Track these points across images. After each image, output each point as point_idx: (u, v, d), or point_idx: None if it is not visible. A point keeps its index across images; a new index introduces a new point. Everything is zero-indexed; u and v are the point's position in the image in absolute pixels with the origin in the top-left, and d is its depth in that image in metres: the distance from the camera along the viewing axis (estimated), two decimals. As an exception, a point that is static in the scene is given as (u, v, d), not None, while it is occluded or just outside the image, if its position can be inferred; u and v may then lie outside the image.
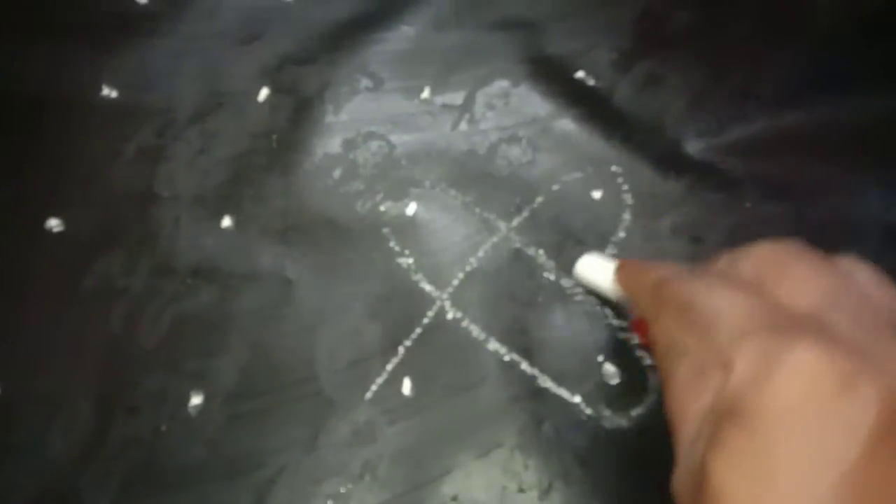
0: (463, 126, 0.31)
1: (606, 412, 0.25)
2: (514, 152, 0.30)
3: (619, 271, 0.23)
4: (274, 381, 0.26)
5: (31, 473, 0.24)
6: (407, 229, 0.29)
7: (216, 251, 0.28)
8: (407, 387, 0.25)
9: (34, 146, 0.30)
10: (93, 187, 0.29)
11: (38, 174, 0.30)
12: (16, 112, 0.31)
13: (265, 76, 0.32)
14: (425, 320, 0.27)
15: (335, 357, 0.26)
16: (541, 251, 0.28)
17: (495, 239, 0.28)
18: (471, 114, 0.31)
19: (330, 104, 0.31)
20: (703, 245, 0.28)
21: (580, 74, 0.32)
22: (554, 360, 0.26)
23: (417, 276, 0.28)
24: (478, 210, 0.29)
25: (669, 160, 0.30)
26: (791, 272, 0.16)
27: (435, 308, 0.27)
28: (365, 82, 0.32)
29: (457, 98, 0.32)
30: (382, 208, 0.29)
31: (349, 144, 0.31)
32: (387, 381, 0.26)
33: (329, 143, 0.31)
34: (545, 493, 0.24)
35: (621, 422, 0.25)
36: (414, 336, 0.26)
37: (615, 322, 0.26)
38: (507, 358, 0.26)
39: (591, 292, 0.26)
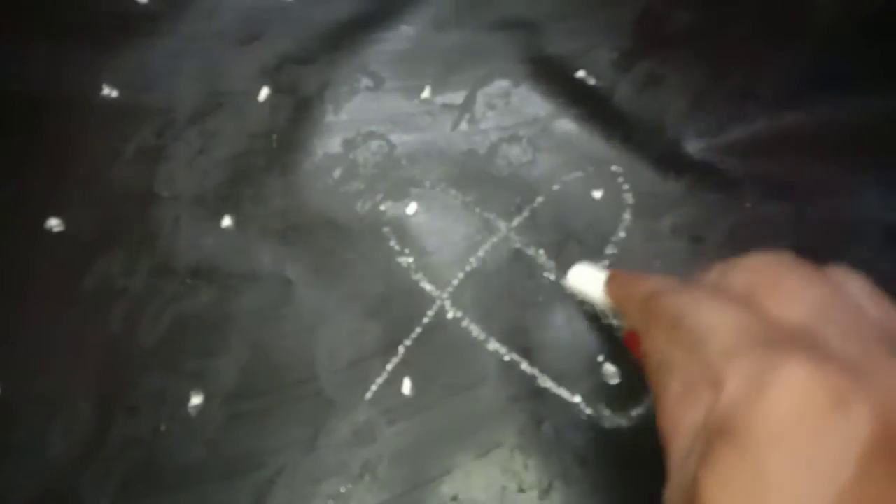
0: (463, 126, 0.31)
1: (606, 412, 0.25)
2: (515, 152, 0.30)
3: (610, 282, 0.23)
4: (274, 381, 0.26)
5: (31, 473, 0.24)
6: (407, 229, 0.29)
7: (216, 251, 0.28)
8: (407, 387, 0.25)
9: (34, 146, 0.30)
10: (93, 187, 0.29)
11: (38, 174, 0.30)
12: (16, 112, 0.31)
13: (265, 76, 0.32)
14: (425, 320, 0.27)
15: (335, 357, 0.26)
16: (541, 251, 0.28)
17: (495, 239, 0.28)
18: (471, 113, 0.31)
19: (330, 104, 0.31)
20: (704, 245, 0.28)
21: (581, 74, 0.32)
22: (554, 360, 0.26)
23: (417, 276, 0.28)
24: (478, 210, 0.29)
25: (670, 160, 0.30)
26: (782, 285, 0.16)
27: (435, 308, 0.27)
28: (365, 82, 0.32)
29: (457, 98, 0.32)
30: (382, 208, 0.29)
31: (349, 144, 0.31)
32: (387, 381, 0.26)
33: (329, 143, 0.31)
34: (545, 492, 0.24)
35: (621, 422, 0.25)
36: (414, 336, 0.26)
37: (615, 322, 0.26)
38: (507, 358, 0.26)
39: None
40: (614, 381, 0.25)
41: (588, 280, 0.24)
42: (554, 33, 0.33)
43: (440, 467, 0.24)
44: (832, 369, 0.13)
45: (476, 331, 0.26)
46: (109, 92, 0.32)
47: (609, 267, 0.27)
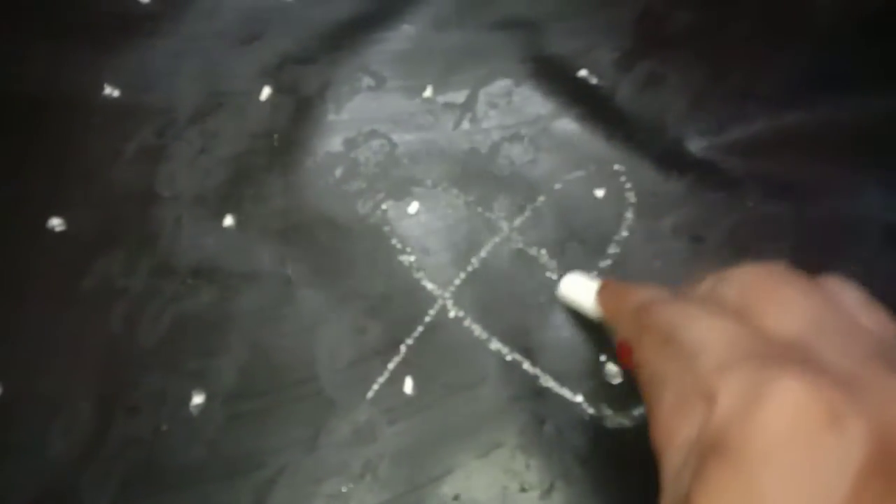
0: (465, 125, 0.31)
1: (608, 412, 0.25)
2: (517, 151, 0.30)
3: (601, 293, 0.22)
4: (274, 381, 0.26)
5: (31, 473, 0.24)
6: (408, 228, 0.29)
7: (217, 251, 0.28)
8: (408, 386, 0.25)
9: (35, 146, 0.30)
10: (93, 187, 0.29)
11: (39, 174, 0.30)
12: (17, 112, 0.31)
13: (266, 76, 0.32)
14: (427, 319, 0.27)
15: (336, 356, 0.26)
16: (543, 251, 0.28)
17: (497, 239, 0.28)
18: (473, 113, 0.31)
19: (331, 103, 0.31)
20: (705, 244, 0.28)
21: (582, 73, 0.32)
22: (556, 359, 0.26)
23: (419, 275, 0.28)
24: (479, 209, 0.29)
25: (671, 159, 0.30)
26: (775, 297, 0.16)
27: (437, 307, 0.27)
28: (366, 81, 0.32)
29: (458, 97, 0.32)
30: (384, 207, 0.29)
31: (350, 143, 0.31)
32: (388, 381, 0.25)
33: (330, 142, 0.31)
34: (547, 492, 0.23)
35: (623, 421, 0.24)
36: (416, 335, 0.26)
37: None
38: (508, 358, 0.26)
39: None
40: (616, 380, 0.25)
41: (580, 290, 0.24)
42: (555, 33, 0.33)
43: (441, 467, 0.24)
44: (827, 384, 0.13)
45: (478, 330, 0.26)
46: (110, 92, 0.32)
47: (611, 266, 0.27)
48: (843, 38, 0.32)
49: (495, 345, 0.26)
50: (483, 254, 0.28)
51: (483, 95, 0.32)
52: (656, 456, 0.15)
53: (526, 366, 0.26)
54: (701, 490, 0.13)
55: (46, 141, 0.30)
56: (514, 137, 0.31)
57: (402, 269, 0.28)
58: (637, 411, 0.25)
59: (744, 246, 0.28)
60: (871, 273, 0.27)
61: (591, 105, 0.31)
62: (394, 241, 0.28)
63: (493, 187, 0.30)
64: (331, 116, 0.31)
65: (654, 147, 0.30)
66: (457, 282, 0.27)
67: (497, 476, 0.24)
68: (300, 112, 0.31)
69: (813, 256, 0.27)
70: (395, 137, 0.31)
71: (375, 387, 0.25)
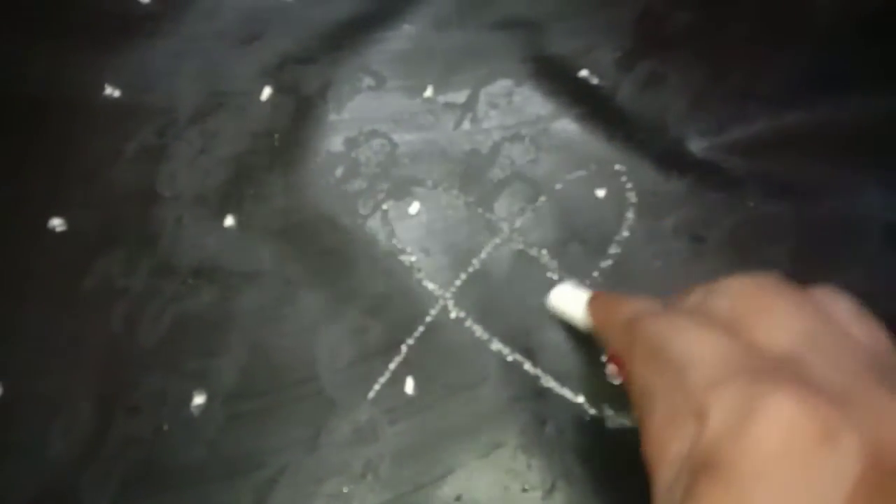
0: (465, 125, 0.31)
1: (609, 412, 0.25)
2: (517, 151, 0.30)
3: (591, 304, 0.22)
4: (275, 381, 0.26)
5: (31, 473, 0.24)
6: (409, 229, 0.29)
7: (217, 251, 0.28)
8: (409, 386, 0.25)
9: (36, 146, 0.30)
10: (94, 187, 0.29)
11: (40, 174, 0.30)
12: (17, 112, 0.31)
13: (266, 76, 0.32)
14: (428, 318, 0.27)
15: (337, 356, 0.26)
16: (544, 251, 0.28)
17: (498, 240, 0.28)
18: (473, 113, 0.31)
19: (332, 103, 0.31)
20: (706, 244, 0.28)
21: (583, 74, 0.32)
22: (557, 360, 0.26)
23: (420, 275, 0.28)
24: (480, 210, 0.29)
25: (672, 159, 0.30)
26: (767, 309, 0.15)
27: (437, 307, 0.27)
28: (367, 81, 0.32)
29: (459, 97, 0.32)
30: (385, 207, 0.29)
31: (351, 143, 0.31)
32: (389, 381, 0.25)
33: (331, 142, 0.31)
34: (548, 492, 0.23)
35: (624, 421, 0.24)
36: (417, 334, 0.26)
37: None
38: (509, 358, 0.26)
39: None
40: (617, 381, 0.25)
41: (570, 301, 0.24)
42: (556, 33, 0.33)
43: (443, 467, 0.24)
44: (819, 400, 0.13)
45: (479, 331, 0.26)
46: (111, 92, 0.32)
47: (612, 267, 0.27)
48: (843, 38, 0.32)
49: (496, 345, 0.26)
50: (484, 254, 0.28)
51: (484, 95, 0.32)
52: (647, 470, 0.15)
53: (527, 366, 0.26)
54: None
55: (47, 141, 0.30)
56: (515, 137, 0.31)
57: (402, 270, 0.28)
58: (638, 411, 0.25)
59: (744, 246, 0.28)
60: (871, 273, 0.27)
61: (592, 105, 0.31)
62: (394, 242, 0.28)
63: (494, 188, 0.30)
64: (331, 116, 0.31)
65: (654, 147, 0.30)
66: (457, 282, 0.27)
67: (498, 476, 0.24)
68: (301, 112, 0.31)
69: (813, 256, 0.27)
70: (396, 137, 0.31)
71: (376, 387, 0.25)
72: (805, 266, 0.27)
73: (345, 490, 0.24)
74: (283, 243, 0.28)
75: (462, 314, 0.27)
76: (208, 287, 0.27)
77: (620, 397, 0.25)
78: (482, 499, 0.23)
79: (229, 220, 0.29)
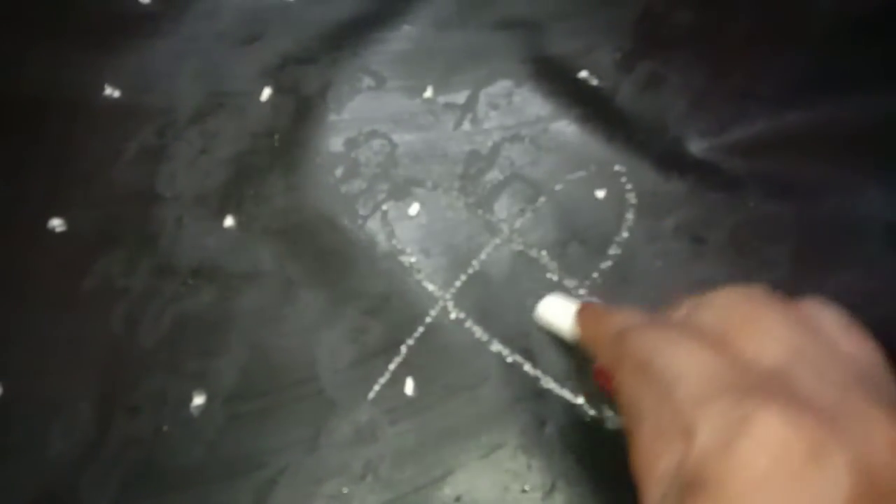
0: (465, 126, 0.31)
1: (609, 413, 0.25)
2: (517, 152, 0.30)
3: (580, 316, 0.22)
4: (275, 381, 0.26)
5: (31, 473, 0.24)
6: (409, 230, 0.29)
7: (217, 251, 0.28)
8: (409, 387, 0.25)
9: (36, 146, 0.30)
10: (94, 187, 0.29)
11: (40, 174, 0.30)
12: (17, 112, 0.31)
13: (266, 76, 0.32)
14: (428, 319, 0.27)
15: (336, 357, 0.26)
16: (543, 252, 0.28)
17: (498, 241, 0.28)
18: (473, 113, 0.31)
19: (332, 103, 0.31)
20: (706, 245, 0.28)
21: (583, 74, 0.32)
22: (557, 361, 0.26)
23: (419, 276, 0.28)
24: (480, 211, 0.29)
25: (672, 160, 0.30)
26: (754, 323, 0.15)
27: (437, 308, 0.27)
28: (367, 81, 0.32)
29: (459, 98, 0.32)
30: (384, 208, 0.29)
31: (351, 143, 0.31)
32: (389, 381, 0.25)
33: (331, 142, 0.31)
34: (548, 493, 0.23)
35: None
36: (416, 335, 0.26)
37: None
38: (509, 359, 0.26)
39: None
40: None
41: (558, 312, 0.23)
42: (556, 33, 0.33)
43: (443, 467, 0.24)
44: (808, 418, 0.13)
45: (479, 332, 0.26)
46: (111, 92, 0.32)
47: (612, 267, 0.27)
48: (843, 38, 0.32)
49: (496, 346, 0.26)
50: (483, 255, 0.28)
51: (484, 96, 0.32)
52: (636, 485, 0.15)
53: (527, 367, 0.26)
54: None
55: (47, 141, 0.30)
56: (515, 138, 0.31)
57: (402, 270, 0.28)
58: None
59: (745, 246, 0.28)
60: (871, 273, 0.27)
61: (592, 106, 0.31)
62: (394, 242, 0.28)
63: (494, 188, 0.30)
64: (331, 117, 0.31)
65: (654, 148, 0.30)
66: (457, 283, 0.27)
67: (498, 477, 0.24)
68: (301, 112, 0.31)
69: (813, 256, 0.27)
70: (396, 138, 0.31)
71: (376, 387, 0.25)
72: (805, 266, 0.27)
73: (345, 491, 0.24)
74: (283, 243, 0.28)
75: (462, 315, 0.27)
76: (208, 287, 0.27)
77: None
78: (482, 499, 0.23)
79: (229, 221, 0.29)
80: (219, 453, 0.24)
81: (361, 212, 0.29)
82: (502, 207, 0.29)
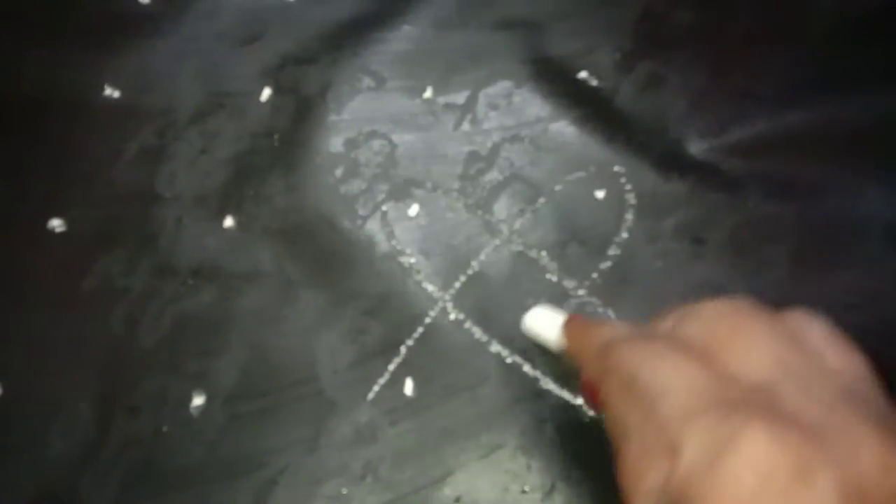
0: (465, 126, 0.31)
1: (609, 413, 0.25)
2: (517, 153, 0.30)
3: (566, 328, 0.22)
4: (275, 382, 0.26)
5: (31, 473, 0.24)
6: (408, 230, 0.29)
7: (217, 251, 0.28)
8: (409, 387, 0.25)
9: (36, 146, 0.30)
10: (94, 187, 0.29)
11: (40, 174, 0.30)
12: (18, 113, 0.31)
13: (266, 76, 0.32)
14: (427, 320, 0.27)
15: (336, 357, 0.26)
16: (543, 252, 0.28)
17: (497, 241, 0.28)
18: (473, 114, 0.31)
19: (332, 104, 0.31)
20: (706, 245, 0.28)
21: (583, 75, 0.32)
22: (556, 362, 0.26)
23: (419, 276, 0.28)
24: (479, 212, 0.29)
25: (672, 160, 0.30)
26: (740, 336, 0.15)
27: (437, 308, 0.27)
28: (367, 81, 0.32)
29: (459, 98, 0.32)
30: (384, 209, 0.29)
31: (351, 144, 0.31)
32: (389, 382, 0.25)
33: (331, 142, 0.31)
34: (548, 494, 0.23)
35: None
36: (416, 335, 0.26)
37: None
38: (509, 360, 0.26)
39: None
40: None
41: (545, 324, 0.23)
42: (556, 34, 0.33)
43: (443, 468, 0.24)
44: (794, 435, 0.13)
45: (478, 333, 0.26)
46: (111, 92, 0.32)
47: (611, 268, 0.27)
48: (843, 38, 0.32)
49: (496, 347, 0.26)
50: (483, 256, 0.28)
51: (483, 96, 0.32)
52: (623, 501, 0.15)
53: (526, 368, 0.26)
54: None
55: (47, 141, 0.30)
56: (515, 139, 0.31)
57: (402, 270, 0.28)
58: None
59: (745, 246, 0.28)
60: (871, 273, 0.27)
61: (592, 106, 0.31)
62: (394, 243, 0.28)
63: (493, 189, 0.30)
64: (331, 117, 0.31)
65: (654, 148, 0.30)
66: (457, 284, 0.27)
67: (498, 477, 0.24)
68: (301, 112, 0.31)
69: (813, 256, 0.27)
70: (396, 138, 0.31)
71: (376, 388, 0.25)
72: (805, 266, 0.27)
73: (344, 491, 0.24)
74: (282, 244, 0.28)
75: (461, 316, 0.27)
76: (208, 287, 0.27)
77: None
78: (482, 500, 0.23)
79: (229, 221, 0.29)
80: (219, 453, 0.24)
81: (361, 212, 0.29)
82: (502, 208, 0.29)
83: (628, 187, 0.29)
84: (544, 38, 0.33)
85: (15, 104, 0.31)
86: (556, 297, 0.27)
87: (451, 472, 0.24)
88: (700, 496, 0.13)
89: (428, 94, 0.32)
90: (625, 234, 0.28)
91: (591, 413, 0.25)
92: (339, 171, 0.30)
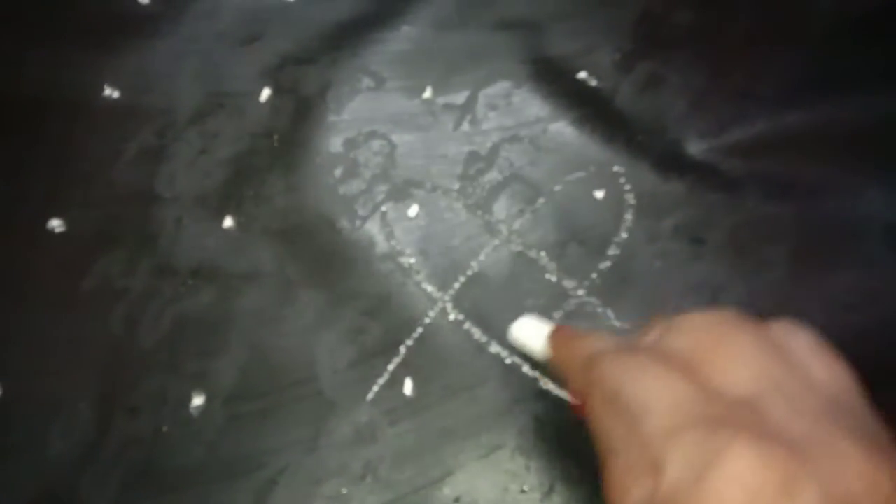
0: (464, 126, 0.31)
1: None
2: (516, 153, 0.30)
3: (553, 339, 0.22)
4: (275, 382, 0.26)
5: (31, 473, 0.24)
6: (408, 230, 0.29)
7: (217, 251, 0.28)
8: (408, 387, 0.25)
9: (36, 147, 0.30)
10: (94, 188, 0.29)
11: (40, 174, 0.30)
12: (17, 113, 0.31)
13: (266, 76, 0.32)
14: (427, 320, 0.27)
15: (336, 357, 0.26)
16: (542, 253, 0.28)
17: (497, 242, 0.28)
18: (472, 114, 0.31)
19: (331, 104, 0.31)
20: (705, 245, 0.28)
21: (582, 75, 0.32)
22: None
23: (419, 277, 0.28)
24: (479, 212, 0.29)
25: (671, 160, 0.30)
26: (725, 348, 0.15)
27: (436, 309, 0.27)
28: (366, 82, 0.32)
29: (458, 98, 0.32)
30: (384, 209, 0.29)
31: (350, 144, 0.31)
32: (388, 382, 0.25)
33: (330, 143, 0.31)
34: (547, 494, 0.23)
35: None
36: (415, 336, 0.26)
37: (617, 324, 0.26)
38: (508, 360, 0.26)
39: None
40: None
41: (531, 334, 0.23)
42: (555, 34, 0.33)
43: (442, 468, 0.24)
44: (778, 450, 0.12)
45: (478, 333, 0.26)
46: (110, 93, 0.32)
47: (611, 268, 0.27)
48: (843, 38, 0.32)
49: (495, 347, 0.26)
50: (482, 256, 0.28)
51: (483, 97, 0.32)
52: None
53: (526, 368, 0.26)
54: None
55: (46, 141, 0.30)
56: (514, 139, 0.31)
57: (401, 271, 0.28)
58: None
59: (744, 247, 0.28)
60: (871, 273, 0.27)
61: (592, 106, 0.31)
62: (393, 243, 0.28)
63: (493, 189, 0.30)
64: (331, 117, 0.31)
65: (654, 148, 0.30)
66: (456, 285, 0.27)
67: (498, 477, 0.24)
68: (300, 113, 0.31)
69: (813, 256, 0.27)
70: (395, 138, 0.31)
71: (375, 388, 0.25)
72: (804, 266, 0.27)
73: (344, 491, 0.24)
74: (282, 244, 0.28)
75: (461, 316, 0.27)
76: (208, 287, 0.27)
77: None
78: (481, 500, 0.24)
79: (229, 221, 0.29)
80: (218, 453, 0.24)
81: (361, 212, 0.29)
82: (501, 208, 0.29)
83: (628, 187, 0.29)
84: (544, 38, 0.33)
85: (15, 104, 0.31)
86: (556, 298, 0.27)
87: (450, 473, 0.24)
88: None
89: (427, 94, 0.32)
90: (624, 235, 0.28)
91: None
92: (338, 172, 0.30)
